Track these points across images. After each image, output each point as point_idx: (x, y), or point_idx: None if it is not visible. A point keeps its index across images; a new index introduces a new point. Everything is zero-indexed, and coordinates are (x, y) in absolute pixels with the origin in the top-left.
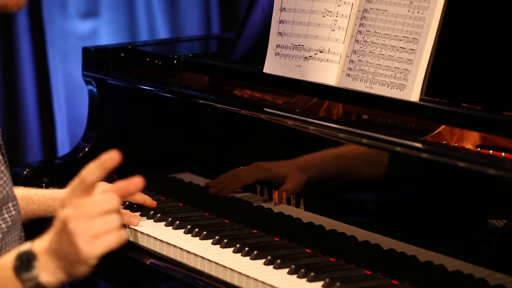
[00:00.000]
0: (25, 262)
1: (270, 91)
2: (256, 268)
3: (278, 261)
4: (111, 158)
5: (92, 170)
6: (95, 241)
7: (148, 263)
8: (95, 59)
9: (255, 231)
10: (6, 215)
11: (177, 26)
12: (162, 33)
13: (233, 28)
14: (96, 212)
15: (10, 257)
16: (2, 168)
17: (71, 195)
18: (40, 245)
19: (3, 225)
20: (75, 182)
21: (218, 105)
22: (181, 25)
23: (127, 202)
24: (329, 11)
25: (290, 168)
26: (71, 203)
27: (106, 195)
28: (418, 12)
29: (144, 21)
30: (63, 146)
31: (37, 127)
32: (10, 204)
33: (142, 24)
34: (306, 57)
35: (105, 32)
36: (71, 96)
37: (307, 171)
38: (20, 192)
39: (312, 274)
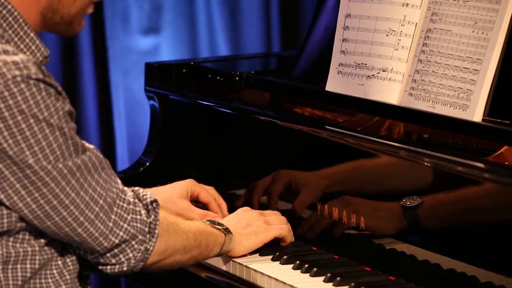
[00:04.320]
0: (218, 224)
1: (330, 110)
2: (317, 284)
3: (338, 278)
4: None
5: None
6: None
7: (200, 274)
8: (157, 75)
9: (314, 248)
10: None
11: (238, 44)
12: (223, 50)
13: (294, 47)
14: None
15: (199, 225)
16: None
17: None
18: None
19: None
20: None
21: (279, 122)
22: (242, 43)
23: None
24: (393, 30)
25: (351, 185)
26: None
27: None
28: (482, 33)
29: (205, 38)
30: (123, 161)
31: (97, 142)
32: None
33: (203, 41)
34: (368, 76)
35: (166, 48)
36: (131, 111)
37: (369, 189)
38: None
39: None
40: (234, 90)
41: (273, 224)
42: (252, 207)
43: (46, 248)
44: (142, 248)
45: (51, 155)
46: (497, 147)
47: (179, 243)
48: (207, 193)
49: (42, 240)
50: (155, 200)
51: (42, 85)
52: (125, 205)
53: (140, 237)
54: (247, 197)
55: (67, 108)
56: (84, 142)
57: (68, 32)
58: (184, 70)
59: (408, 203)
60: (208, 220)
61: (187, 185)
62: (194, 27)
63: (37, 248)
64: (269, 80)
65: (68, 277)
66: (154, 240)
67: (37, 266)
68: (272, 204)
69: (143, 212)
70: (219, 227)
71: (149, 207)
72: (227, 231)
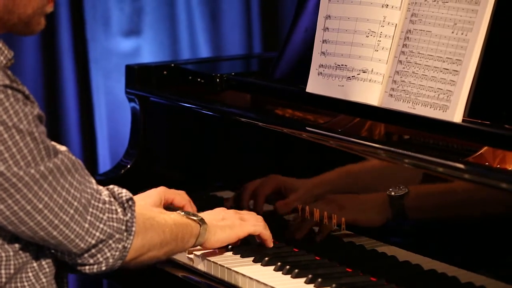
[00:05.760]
0: (193, 214)
1: (311, 111)
2: (299, 286)
3: (319, 279)
4: None
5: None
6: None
7: (180, 276)
8: (138, 77)
9: (296, 250)
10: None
11: (219, 45)
12: (204, 51)
13: (275, 48)
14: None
15: (175, 217)
16: None
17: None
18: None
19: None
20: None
21: (260, 124)
22: (223, 44)
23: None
24: (373, 32)
25: (332, 187)
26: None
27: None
28: (462, 34)
29: (186, 40)
30: (104, 163)
31: (79, 144)
32: None
33: (184, 43)
34: (349, 77)
35: (147, 50)
36: (112, 113)
37: (350, 190)
38: None
39: None
40: (215, 92)
41: (249, 221)
42: (242, 209)
43: (21, 252)
44: (120, 246)
45: (22, 161)
46: (477, 148)
47: (156, 238)
48: (181, 197)
49: (17, 245)
50: (131, 198)
51: (9, 91)
52: (100, 205)
53: (117, 236)
54: (236, 199)
55: (36, 112)
56: (55, 144)
57: (28, 33)
58: (164, 72)
59: (393, 193)
60: (184, 211)
61: (160, 192)
62: (175, 29)
63: (11, 253)
64: (250, 81)
65: (44, 280)
66: (131, 238)
67: (12, 271)
68: (259, 207)
69: (119, 210)
70: (194, 218)
71: (125, 205)
72: (202, 221)
